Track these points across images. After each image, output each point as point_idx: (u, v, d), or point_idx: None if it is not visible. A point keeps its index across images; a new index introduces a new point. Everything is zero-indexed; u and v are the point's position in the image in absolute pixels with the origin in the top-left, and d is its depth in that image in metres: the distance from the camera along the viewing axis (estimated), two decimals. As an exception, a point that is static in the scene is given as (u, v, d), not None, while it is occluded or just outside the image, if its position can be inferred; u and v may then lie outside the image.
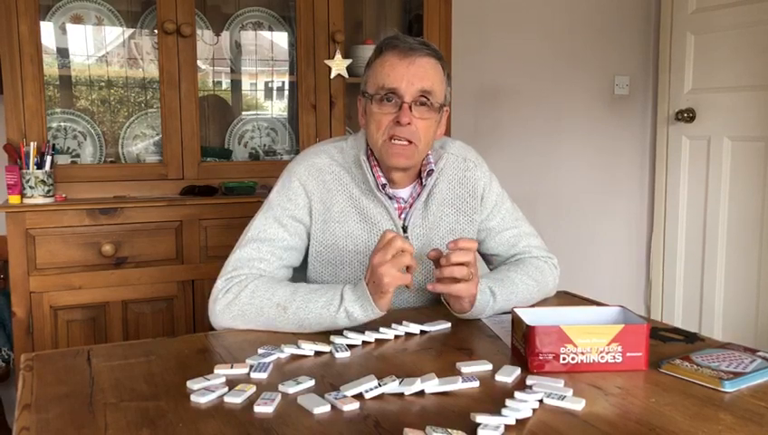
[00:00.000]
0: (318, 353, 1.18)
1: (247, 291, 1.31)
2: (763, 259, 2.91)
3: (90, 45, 2.37)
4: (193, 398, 0.98)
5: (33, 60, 2.07)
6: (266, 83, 2.66)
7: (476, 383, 1.03)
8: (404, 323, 1.30)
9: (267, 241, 1.39)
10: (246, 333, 1.29)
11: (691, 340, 1.26)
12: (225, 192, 2.26)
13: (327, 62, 2.39)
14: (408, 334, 1.28)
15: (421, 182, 1.47)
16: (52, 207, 2.03)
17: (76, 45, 2.35)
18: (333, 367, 1.12)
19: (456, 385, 1.02)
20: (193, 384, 1.02)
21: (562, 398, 0.97)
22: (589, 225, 3.37)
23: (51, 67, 2.30)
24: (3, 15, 2.03)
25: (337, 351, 1.18)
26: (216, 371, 1.07)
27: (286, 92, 2.68)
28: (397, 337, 1.27)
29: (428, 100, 1.38)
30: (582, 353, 1.08)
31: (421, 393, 1.00)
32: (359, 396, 0.98)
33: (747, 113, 2.96)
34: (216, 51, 2.54)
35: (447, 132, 2.39)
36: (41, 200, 2.03)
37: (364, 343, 1.23)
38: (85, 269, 2.07)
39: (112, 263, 2.10)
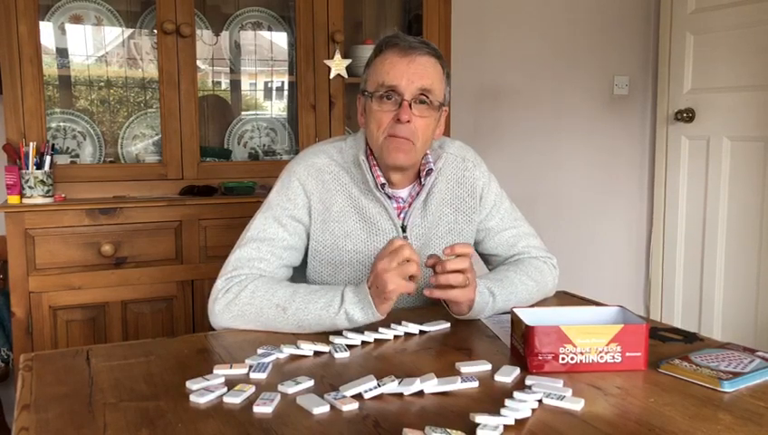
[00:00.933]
0: (317, 354, 1.18)
1: (247, 291, 1.31)
2: (762, 259, 2.92)
3: (89, 45, 2.37)
4: (192, 398, 0.98)
5: (33, 60, 2.07)
6: (266, 83, 2.66)
7: (476, 383, 1.03)
8: (403, 323, 1.30)
9: (267, 241, 1.39)
10: (246, 334, 1.29)
11: (690, 340, 1.26)
12: (224, 192, 2.26)
13: (326, 62, 2.39)
14: (408, 334, 1.28)
15: (420, 182, 1.47)
16: (51, 207, 2.03)
17: (75, 45, 2.34)
18: (333, 367, 1.12)
19: (456, 385, 1.02)
20: (192, 384, 1.02)
21: (562, 398, 0.97)
22: (588, 225, 3.37)
23: (50, 67, 2.30)
24: (2, 16, 2.03)
25: (336, 351, 1.18)
26: (215, 371, 1.08)
27: (286, 92, 2.68)
28: (396, 337, 1.27)
29: (428, 98, 1.39)
30: (582, 353, 1.08)
31: (420, 393, 1.00)
32: (358, 396, 0.98)
33: (747, 113, 2.96)
34: (216, 51, 2.54)
35: (447, 132, 2.39)
36: (40, 200, 2.03)
37: (363, 343, 1.23)
38: (85, 269, 2.07)
39: (112, 263, 2.10)
